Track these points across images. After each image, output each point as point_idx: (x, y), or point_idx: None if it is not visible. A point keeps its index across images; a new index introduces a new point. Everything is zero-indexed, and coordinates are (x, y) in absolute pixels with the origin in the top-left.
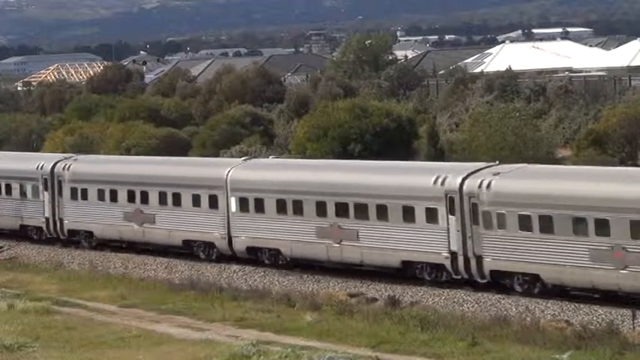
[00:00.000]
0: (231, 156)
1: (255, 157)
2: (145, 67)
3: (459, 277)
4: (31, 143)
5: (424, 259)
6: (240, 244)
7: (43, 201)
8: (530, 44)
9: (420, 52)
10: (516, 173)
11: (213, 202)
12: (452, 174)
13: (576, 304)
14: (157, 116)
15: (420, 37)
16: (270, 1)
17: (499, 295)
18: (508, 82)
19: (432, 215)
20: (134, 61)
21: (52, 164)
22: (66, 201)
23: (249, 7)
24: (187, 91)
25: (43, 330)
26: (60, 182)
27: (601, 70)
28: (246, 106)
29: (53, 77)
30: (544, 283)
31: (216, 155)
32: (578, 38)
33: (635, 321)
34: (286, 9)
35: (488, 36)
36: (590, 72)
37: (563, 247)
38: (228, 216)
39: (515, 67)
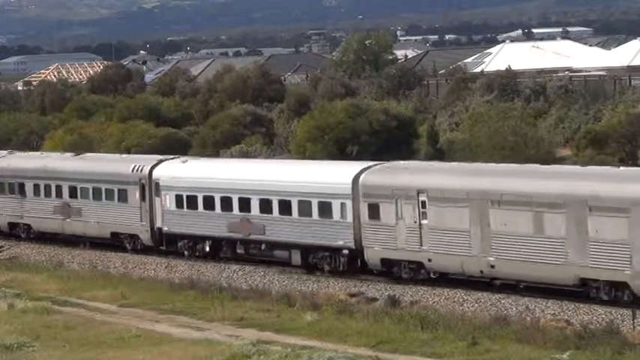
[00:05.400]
0: (231, 155)
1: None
2: (145, 67)
3: None
4: (31, 143)
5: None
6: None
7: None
8: (530, 44)
9: (420, 52)
10: None
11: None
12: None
13: (576, 304)
14: (157, 116)
15: (420, 37)
16: (270, 1)
17: (499, 295)
18: (508, 81)
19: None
20: (134, 60)
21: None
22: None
23: (249, 6)
24: (187, 90)
25: (43, 330)
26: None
27: (601, 70)
28: (247, 106)
29: (53, 77)
30: None
31: (216, 155)
32: (578, 38)
33: (635, 321)
34: (286, 9)
35: (489, 36)
36: (590, 72)
37: None
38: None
39: (515, 67)
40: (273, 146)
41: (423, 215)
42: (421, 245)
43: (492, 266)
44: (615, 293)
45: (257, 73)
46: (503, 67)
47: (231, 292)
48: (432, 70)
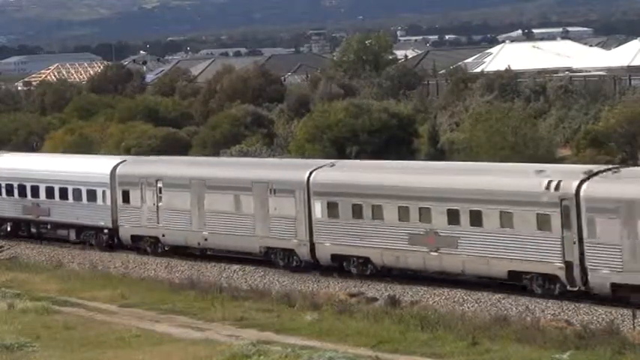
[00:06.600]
0: (231, 155)
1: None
2: (145, 67)
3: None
4: (31, 143)
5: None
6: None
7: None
8: (530, 44)
9: (420, 52)
10: None
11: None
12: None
13: (576, 304)
14: (157, 116)
15: (420, 37)
16: (270, 1)
17: (499, 295)
18: (508, 81)
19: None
20: (134, 60)
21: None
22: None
23: (249, 6)
24: (187, 90)
25: (43, 330)
26: None
27: (601, 70)
28: (247, 106)
29: (53, 77)
30: None
31: (216, 155)
32: (578, 38)
33: (635, 321)
34: (286, 9)
35: (489, 36)
36: (590, 72)
37: None
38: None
39: (515, 67)
40: (274, 146)
41: (160, 199)
42: (158, 223)
43: (206, 239)
44: (288, 259)
45: (257, 73)
46: (503, 67)
47: (231, 292)
48: (432, 70)
